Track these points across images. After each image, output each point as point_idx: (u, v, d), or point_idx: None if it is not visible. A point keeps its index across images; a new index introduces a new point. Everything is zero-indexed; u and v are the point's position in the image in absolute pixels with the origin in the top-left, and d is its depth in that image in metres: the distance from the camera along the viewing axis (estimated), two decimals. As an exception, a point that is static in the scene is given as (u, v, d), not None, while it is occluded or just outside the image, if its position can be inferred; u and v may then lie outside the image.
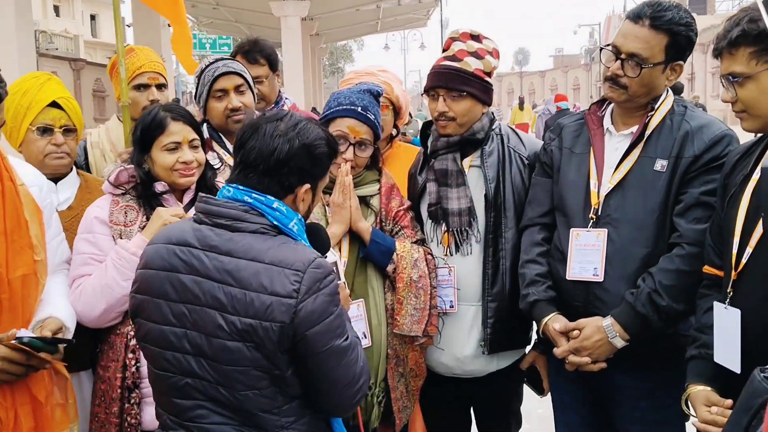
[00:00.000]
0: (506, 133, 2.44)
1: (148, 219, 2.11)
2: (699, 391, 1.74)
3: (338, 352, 1.57)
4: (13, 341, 1.80)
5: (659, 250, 2.03)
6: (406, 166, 2.60)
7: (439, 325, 2.34)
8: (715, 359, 1.72)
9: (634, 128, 2.12)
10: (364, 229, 2.25)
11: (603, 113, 2.23)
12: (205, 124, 2.63)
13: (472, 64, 2.32)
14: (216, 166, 2.39)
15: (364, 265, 2.27)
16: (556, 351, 2.11)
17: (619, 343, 2.03)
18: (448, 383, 2.45)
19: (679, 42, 2.04)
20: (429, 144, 2.45)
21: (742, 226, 1.69)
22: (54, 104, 2.28)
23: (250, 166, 1.59)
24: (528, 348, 2.47)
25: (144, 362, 1.87)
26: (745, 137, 1.88)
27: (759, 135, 1.80)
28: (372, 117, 2.26)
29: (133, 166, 2.16)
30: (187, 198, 2.21)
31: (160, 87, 2.76)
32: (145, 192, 2.16)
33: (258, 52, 3.06)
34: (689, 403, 1.76)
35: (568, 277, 2.12)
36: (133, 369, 2.05)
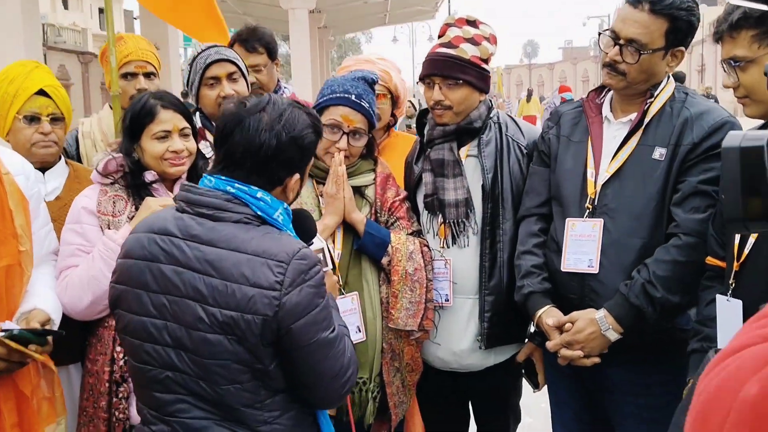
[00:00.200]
0: (504, 121, 2.38)
1: (137, 209, 2.07)
2: None
3: (324, 344, 1.53)
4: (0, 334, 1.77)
5: (656, 241, 1.96)
6: (403, 156, 2.55)
7: (436, 319, 2.29)
8: None
9: (633, 116, 2.06)
10: (358, 220, 2.20)
11: (602, 100, 2.17)
12: (198, 113, 2.58)
13: (468, 51, 2.26)
14: (208, 156, 2.35)
15: (358, 257, 2.22)
16: (549, 344, 2.06)
17: (613, 336, 1.97)
18: (446, 377, 2.41)
19: (679, 27, 1.97)
20: (425, 133, 2.40)
21: None
22: (41, 92, 2.24)
23: (236, 163, 1.53)
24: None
25: (133, 356, 1.83)
26: (749, 125, 1.81)
27: (762, 122, 1.74)
28: (366, 105, 2.21)
29: (121, 155, 2.12)
30: (177, 188, 2.16)
31: (149, 75, 2.71)
32: (134, 181, 2.11)
33: (256, 41, 3.00)
34: None
35: (562, 269, 2.07)
36: (121, 363, 2.01)
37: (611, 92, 2.15)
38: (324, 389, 1.57)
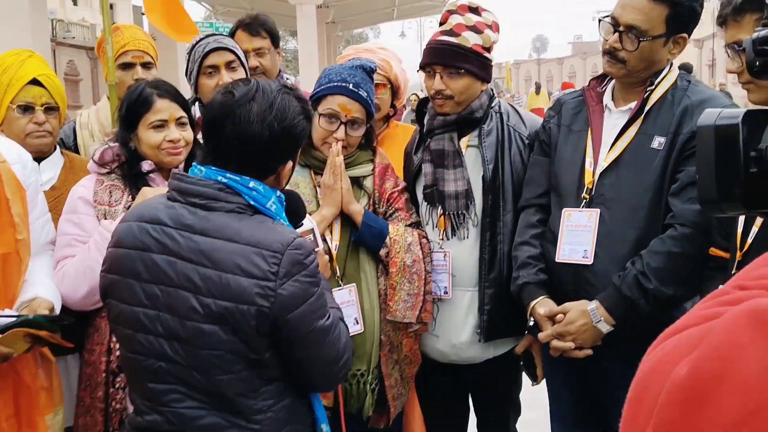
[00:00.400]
0: (506, 111, 2.35)
1: (133, 199, 2.06)
2: None
3: (321, 332, 1.53)
4: (12, 319, 1.77)
5: (653, 233, 1.93)
6: (403, 147, 2.52)
7: (434, 312, 2.27)
8: None
9: (634, 104, 2.02)
10: (355, 211, 2.18)
11: (603, 89, 2.13)
12: (196, 102, 2.56)
13: (470, 39, 2.23)
14: (206, 146, 2.33)
15: (356, 248, 2.20)
16: (541, 336, 2.03)
17: (605, 327, 1.94)
18: (445, 370, 2.38)
19: (680, 13, 1.93)
20: (425, 122, 2.37)
21: None
22: (35, 82, 2.22)
23: (227, 156, 1.51)
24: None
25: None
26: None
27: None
28: (364, 94, 2.17)
29: (118, 144, 2.11)
30: (174, 178, 2.15)
31: (146, 66, 2.69)
32: (130, 171, 2.10)
33: (259, 25, 2.99)
34: None
35: (557, 260, 2.04)
36: (118, 353, 2.00)
37: (613, 80, 2.12)
38: (320, 375, 1.58)
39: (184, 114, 2.13)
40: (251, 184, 1.52)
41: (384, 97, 2.63)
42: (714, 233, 1.79)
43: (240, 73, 2.56)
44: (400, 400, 2.27)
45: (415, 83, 5.61)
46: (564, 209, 2.05)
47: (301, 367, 1.55)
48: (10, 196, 1.92)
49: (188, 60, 2.57)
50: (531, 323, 2.19)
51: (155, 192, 2.03)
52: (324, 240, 2.06)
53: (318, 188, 2.20)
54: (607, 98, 2.11)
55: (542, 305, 2.05)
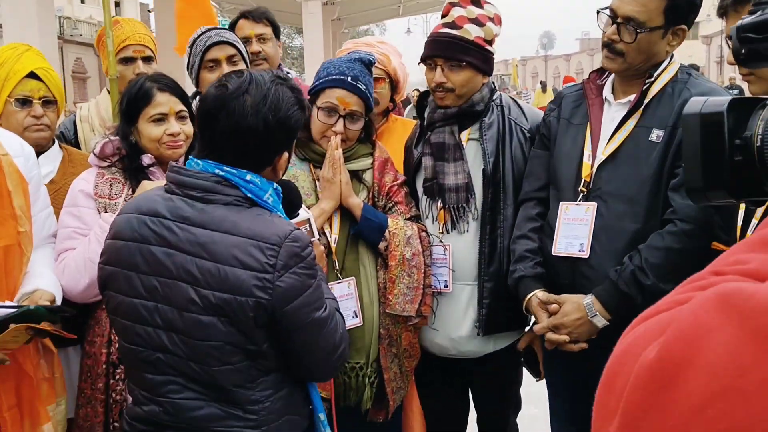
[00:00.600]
0: (507, 104, 2.34)
1: (134, 192, 2.07)
2: None
3: (318, 323, 1.53)
4: (13, 310, 1.78)
5: (650, 227, 1.91)
6: (402, 142, 2.52)
7: (434, 305, 2.27)
8: None
9: (633, 97, 2.00)
10: (355, 204, 2.18)
11: (603, 82, 2.12)
12: (198, 97, 2.57)
13: (472, 32, 2.22)
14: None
15: (355, 242, 2.20)
16: (536, 327, 2.03)
17: (600, 322, 1.93)
18: (445, 364, 2.38)
19: (679, 4, 1.92)
20: (426, 115, 2.36)
21: None
22: (33, 75, 2.22)
23: (223, 149, 1.51)
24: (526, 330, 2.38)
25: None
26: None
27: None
28: (363, 87, 2.17)
29: (118, 138, 2.12)
30: (174, 172, 2.16)
31: (147, 60, 2.70)
32: (131, 165, 2.11)
33: (261, 14, 3.02)
34: None
35: (553, 253, 2.03)
36: (118, 345, 2.02)
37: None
38: (318, 365, 1.59)
39: (184, 107, 2.13)
40: (248, 177, 1.52)
41: (383, 91, 2.63)
42: (716, 228, 1.78)
43: (241, 67, 2.56)
44: (399, 394, 2.27)
45: (417, 79, 5.59)
46: (561, 203, 2.04)
47: (298, 358, 1.56)
48: (12, 188, 1.93)
49: (189, 54, 2.57)
50: (533, 319, 2.19)
51: (155, 185, 2.04)
52: (322, 233, 2.06)
53: (317, 182, 2.20)
54: (606, 91, 2.10)
55: (538, 295, 2.04)
